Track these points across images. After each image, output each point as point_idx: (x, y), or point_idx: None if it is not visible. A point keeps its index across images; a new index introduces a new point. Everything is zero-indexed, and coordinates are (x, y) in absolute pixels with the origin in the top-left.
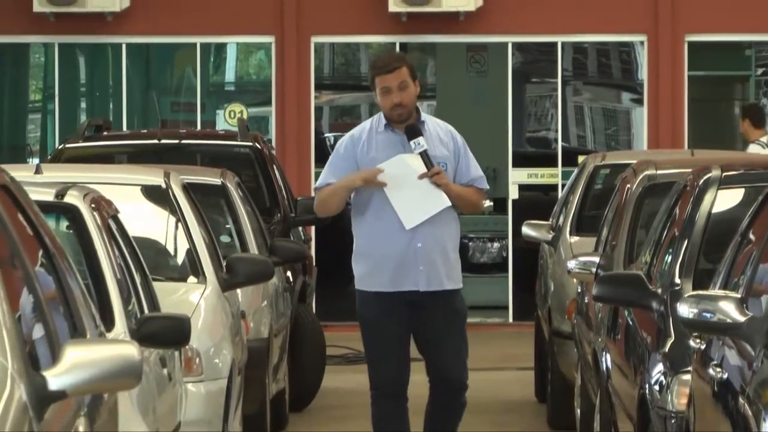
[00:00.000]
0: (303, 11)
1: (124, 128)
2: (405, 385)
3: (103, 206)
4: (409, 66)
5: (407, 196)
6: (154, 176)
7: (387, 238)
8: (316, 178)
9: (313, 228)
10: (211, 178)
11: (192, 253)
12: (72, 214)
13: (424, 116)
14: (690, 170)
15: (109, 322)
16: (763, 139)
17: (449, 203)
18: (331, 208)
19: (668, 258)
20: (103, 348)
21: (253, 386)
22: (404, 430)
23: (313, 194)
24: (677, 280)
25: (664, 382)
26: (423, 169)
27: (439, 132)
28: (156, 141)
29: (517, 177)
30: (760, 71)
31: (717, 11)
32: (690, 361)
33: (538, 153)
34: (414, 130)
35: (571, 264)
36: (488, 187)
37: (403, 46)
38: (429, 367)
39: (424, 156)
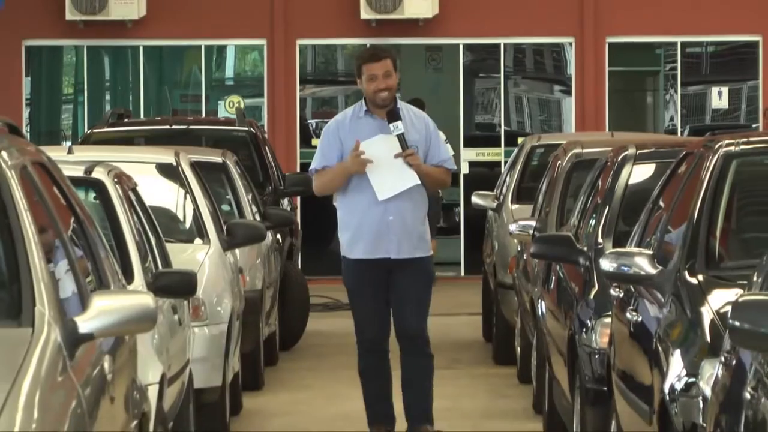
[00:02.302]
0: (290, 18)
1: (142, 116)
2: (385, 341)
3: (124, 180)
4: (392, 58)
5: (383, 172)
6: (166, 156)
7: (364, 210)
8: (302, 157)
9: (298, 198)
10: (213, 157)
11: (198, 219)
12: (98, 187)
13: (401, 104)
14: (610, 149)
15: (129, 277)
16: None
17: (418, 181)
18: (331, 191)
19: (592, 222)
20: (124, 298)
21: (249, 329)
22: (385, 377)
23: (310, 168)
24: (600, 240)
25: (589, 324)
26: (399, 150)
27: (413, 118)
28: (168, 127)
29: (468, 156)
30: (668, 67)
31: (633, 17)
32: (611, 306)
33: (485, 135)
34: (394, 115)
35: (512, 227)
36: (456, 167)
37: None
38: (395, 324)
39: (401, 138)
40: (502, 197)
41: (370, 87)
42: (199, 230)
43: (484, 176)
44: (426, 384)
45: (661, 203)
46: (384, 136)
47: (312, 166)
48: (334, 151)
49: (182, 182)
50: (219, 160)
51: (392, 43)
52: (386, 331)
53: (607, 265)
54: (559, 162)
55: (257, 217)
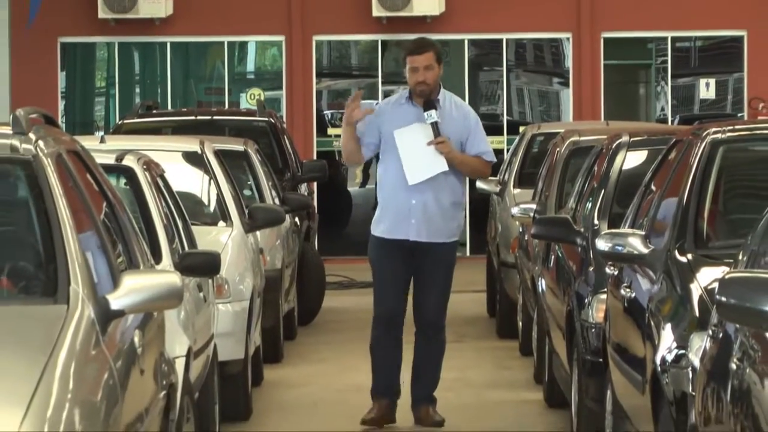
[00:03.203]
0: (306, 16)
1: (169, 108)
2: (400, 317)
3: (152, 168)
4: (436, 51)
5: (416, 157)
6: (192, 144)
7: (391, 191)
8: (318, 146)
9: (315, 184)
10: (236, 145)
11: (221, 204)
12: (129, 174)
13: (444, 94)
14: (605, 137)
15: (157, 257)
16: None
17: (447, 167)
18: (348, 150)
19: (589, 205)
20: (152, 277)
21: (270, 306)
22: (394, 352)
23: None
24: (596, 222)
25: (586, 300)
26: (432, 137)
27: (453, 110)
28: (193, 117)
29: None
30: (659, 60)
31: (626, 14)
32: (606, 283)
33: (489, 125)
34: (430, 105)
35: (515, 210)
36: (495, 159)
37: (384, 43)
38: (414, 309)
39: (434, 126)
40: (504, 182)
41: (411, 78)
42: (222, 214)
43: None
44: (434, 368)
45: (653, 187)
46: (420, 124)
47: None
48: (372, 129)
49: (207, 169)
50: (241, 148)
51: (402, 39)
52: (401, 306)
53: (602, 245)
54: (558, 149)
55: (277, 202)
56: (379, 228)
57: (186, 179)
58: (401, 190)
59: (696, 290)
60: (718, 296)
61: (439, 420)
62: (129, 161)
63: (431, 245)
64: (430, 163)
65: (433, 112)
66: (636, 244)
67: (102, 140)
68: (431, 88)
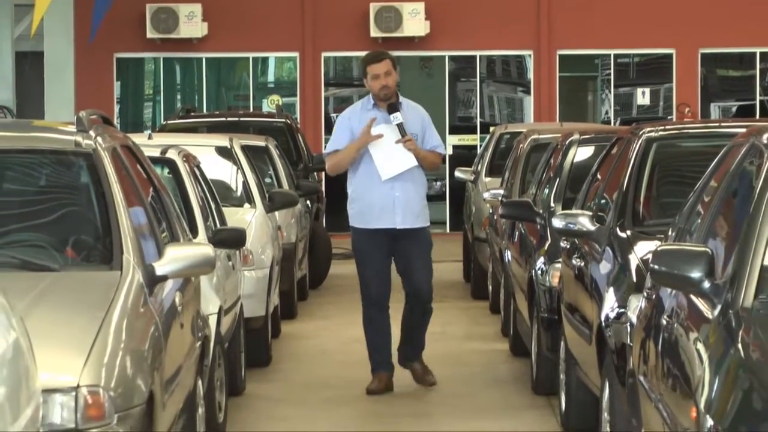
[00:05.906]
0: (317, 36)
1: (204, 111)
2: (387, 299)
3: (191, 159)
4: (391, 59)
5: (385, 155)
6: (223, 140)
7: (373, 188)
8: (326, 143)
9: (323, 173)
10: (258, 142)
11: (247, 189)
12: (171, 164)
13: (402, 99)
14: (560, 135)
15: (194, 233)
16: None
17: (416, 163)
18: (342, 168)
19: (546, 190)
20: (190, 248)
21: (286, 272)
22: (386, 330)
23: (323, 152)
24: (552, 204)
25: (544, 268)
26: (399, 137)
27: (411, 111)
28: (224, 119)
29: (452, 141)
30: (603, 73)
31: (577, 35)
32: (560, 254)
33: (465, 125)
34: (394, 108)
35: (486, 195)
36: (446, 152)
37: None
38: (404, 284)
39: (401, 127)
40: (478, 172)
41: (374, 84)
42: (247, 197)
43: (464, 156)
44: (424, 332)
45: (599, 176)
46: (387, 125)
47: (325, 151)
48: (345, 137)
49: (235, 161)
50: (263, 144)
51: (394, 55)
52: (388, 288)
53: (557, 223)
54: (521, 145)
55: (292, 188)
56: (364, 220)
57: (218, 169)
58: (384, 185)
59: (633, 260)
60: (651, 264)
61: (433, 381)
62: (171, 154)
63: (413, 230)
64: (401, 159)
65: (397, 114)
66: (585, 222)
67: (149, 137)
68: (392, 90)
